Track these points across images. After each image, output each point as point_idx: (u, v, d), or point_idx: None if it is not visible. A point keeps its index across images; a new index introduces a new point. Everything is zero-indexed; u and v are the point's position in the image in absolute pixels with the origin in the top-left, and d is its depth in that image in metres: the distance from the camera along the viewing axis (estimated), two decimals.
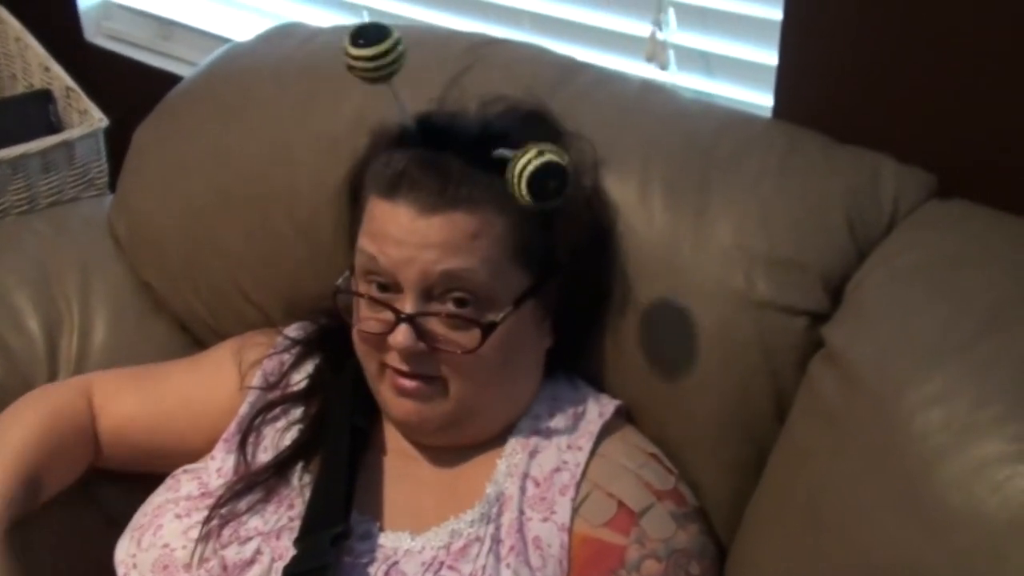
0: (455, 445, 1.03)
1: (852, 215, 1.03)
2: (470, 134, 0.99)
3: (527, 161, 0.88)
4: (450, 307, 0.95)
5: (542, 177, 0.89)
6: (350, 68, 0.94)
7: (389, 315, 0.95)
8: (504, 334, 0.96)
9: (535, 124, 1.04)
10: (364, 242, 0.98)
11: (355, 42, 0.93)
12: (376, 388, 1.01)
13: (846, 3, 1.11)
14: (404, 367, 0.96)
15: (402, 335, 0.94)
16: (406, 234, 0.94)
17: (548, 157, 0.89)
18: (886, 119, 1.12)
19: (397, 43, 0.93)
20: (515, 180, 0.89)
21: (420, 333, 0.95)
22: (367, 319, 0.98)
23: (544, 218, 0.97)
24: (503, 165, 0.92)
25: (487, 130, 0.99)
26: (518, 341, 0.99)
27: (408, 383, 0.97)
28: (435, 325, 0.95)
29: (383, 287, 0.97)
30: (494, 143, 0.95)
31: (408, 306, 0.95)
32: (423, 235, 0.94)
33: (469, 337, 0.95)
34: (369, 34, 0.93)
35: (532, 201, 0.89)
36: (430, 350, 0.95)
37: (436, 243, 0.94)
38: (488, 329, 0.95)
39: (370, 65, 0.92)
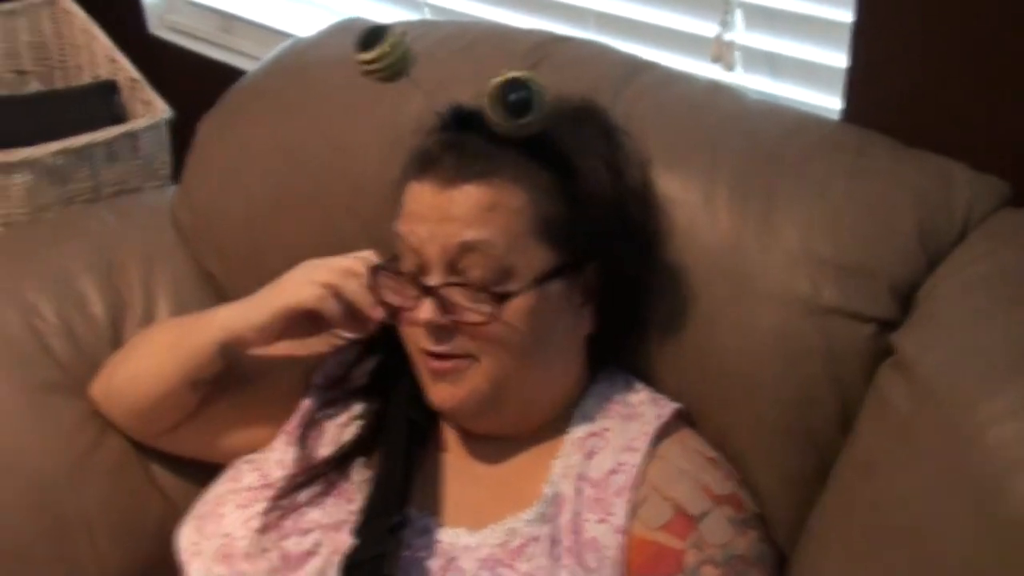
0: (504, 434, 1.03)
1: (923, 221, 1.02)
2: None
3: (493, 81, 0.93)
4: (471, 280, 0.96)
5: (507, 90, 0.93)
6: (365, 73, 0.99)
7: (416, 291, 0.97)
8: (530, 309, 0.97)
9: (584, 118, 1.05)
10: (396, 224, 1.00)
11: (359, 48, 0.98)
12: (419, 377, 1.02)
13: (919, 5, 1.10)
14: (434, 347, 0.97)
15: (425, 309, 0.96)
16: (428, 209, 0.97)
17: (513, 73, 0.93)
18: (959, 124, 1.11)
19: (398, 42, 0.98)
20: (485, 101, 0.93)
21: (443, 307, 0.96)
22: (400, 297, 1.00)
23: (569, 195, 0.99)
24: (529, 142, 0.96)
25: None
26: (548, 320, 0.99)
27: (441, 364, 0.98)
28: (458, 298, 0.96)
29: (415, 269, 0.98)
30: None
31: (432, 280, 0.96)
32: (443, 209, 0.96)
33: (489, 308, 0.96)
34: (370, 38, 0.98)
35: (500, 114, 0.93)
36: (451, 324, 0.96)
37: (454, 216, 0.96)
38: (501, 298, 0.95)
39: (376, 67, 0.98)
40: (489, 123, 0.95)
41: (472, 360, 0.98)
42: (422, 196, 0.98)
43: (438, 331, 0.97)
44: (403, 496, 0.98)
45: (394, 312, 1.01)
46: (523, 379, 1.00)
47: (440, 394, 1.00)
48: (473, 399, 0.99)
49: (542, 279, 0.97)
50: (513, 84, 0.94)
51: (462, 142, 0.99)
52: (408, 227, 0.99)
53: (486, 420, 1.02)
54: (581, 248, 1.00)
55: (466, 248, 0.96)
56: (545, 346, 1.00)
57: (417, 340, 0.99)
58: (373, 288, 1.02)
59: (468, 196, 0.96)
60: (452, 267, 0.96)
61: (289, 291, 1.05)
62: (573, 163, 1.00)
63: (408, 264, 0.99)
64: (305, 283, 1.04)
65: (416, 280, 0.98)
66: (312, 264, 1.06)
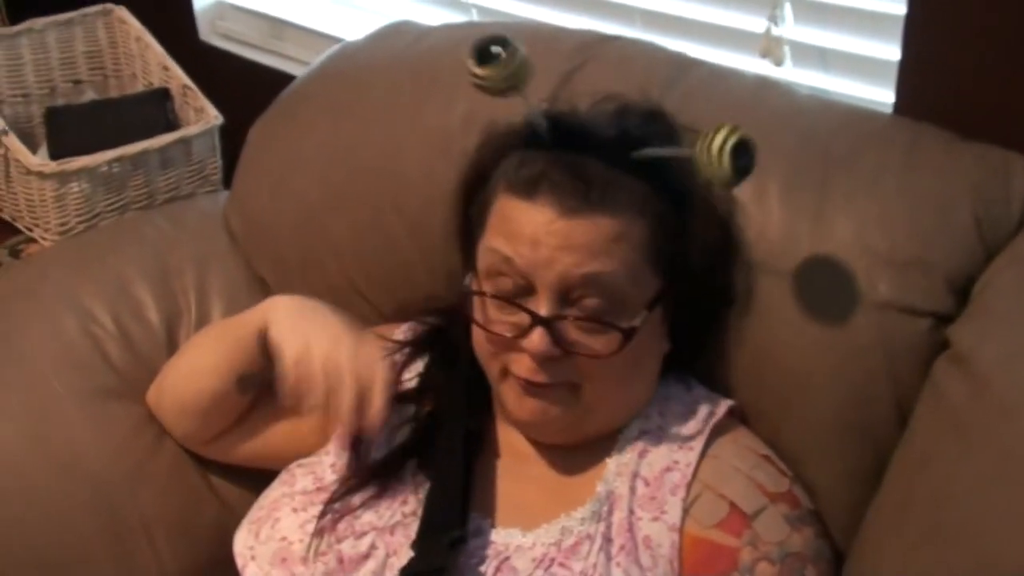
0: (570, 444, 1.02)
1: (979, 213, 1.00)
2: (607, 137, 0.98)
3: (725, 137, 0.87)
4: (586, 311, 0.94)
5: (743, 150, 0.87)
6: (477, 86, 0.94)
7: (522, 318, 0.94)
8: (639, 338, 0.95)
9: (656, 123, 1.03)
10: (496, 242, 0.96)
11: (479, 60, 0.93)
12: (498, 389, 1.01)
13: None
14: (537, 377, 0.95)
15: (538, 339, 0.93)
16: (546, 235, 0.93)
17: (742, 132, 0.88)
18: (1014, 115, 1.09)
19: (520, 54, 0.93)
20: (715, 155, 0.87)
21: (555, 337, 0.93)
22: (496, 322, 0.97)
23: (681, 222, 0.97)
24: (644, 168, 0.92)
25: (625, 134, 0.98)
26: (646, 346, 0.98)
27: (538, 389, 0.96)
28: (570, 330, 0.94)
29: (513, 289, 0.95)
30: (632, 146, 0.95)
31: (544, 308, 0.93)
32: (565, 237, 0.93)
33: (606, 341, 0.94)
34: (491, 51, 0.93)
35: (733, 176, 0.87)
36: (564, 354, 0.94)
37: (578, 245, 0.92)
38: (629, 334, 0.94)
39: (500, 85, 0.94)
40: (705, 176, 0.89)
41: (572, 387, 0.96)
42: (536, 219, 0.93)
43: (544, 361, 0.94)
44: (463, 511, 0.98)
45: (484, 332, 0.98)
46: (614, 402, 0.99)
47: (528, 408, 0.97)
48: (563, 419, 0.98)
49: (651, 305, 0.96)
50: (749, 145, 0.88)
51: (581, 165, 0.94)
52: (514, 249, 0.94)
53: (565, 435, 1.01)
54: (679, 273, 0.98)
55: (590, 279, 0.93)
56: (640, 369, 1.00)
57: (510, 363, 0.97)
58: (469, 310, 0.98)
59: (597, 227, 0.92)
60: (566, 296, 0.94)
61: (312, 337, 1.01)
62: (690, 194, 0.99)
63: (504, 285, 0.95)
64: (321, 354, 0.99)
65: (526, 307, 0.93)
66: (345, 343, 1.00)
